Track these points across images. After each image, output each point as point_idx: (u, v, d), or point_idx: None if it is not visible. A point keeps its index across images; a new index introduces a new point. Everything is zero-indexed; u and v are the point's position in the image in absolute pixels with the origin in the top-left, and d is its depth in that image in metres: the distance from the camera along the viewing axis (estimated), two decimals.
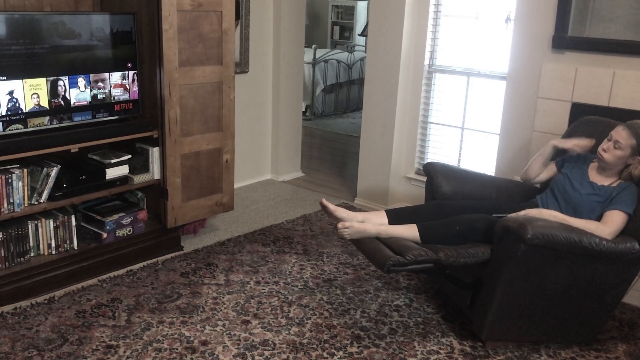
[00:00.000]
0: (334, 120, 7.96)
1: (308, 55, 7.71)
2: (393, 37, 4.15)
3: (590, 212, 2.72)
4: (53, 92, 3.00)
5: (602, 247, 2.49)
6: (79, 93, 3.11)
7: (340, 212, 2.81)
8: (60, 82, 3.03)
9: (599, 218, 2.67)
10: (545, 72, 3.57)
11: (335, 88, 8.23)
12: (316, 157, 6.09)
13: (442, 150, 4.32)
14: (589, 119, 3.14)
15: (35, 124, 2.96)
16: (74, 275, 3.12)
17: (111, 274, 3.24)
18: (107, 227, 3.26)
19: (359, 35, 10.09)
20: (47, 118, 3.01)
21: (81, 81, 3.12)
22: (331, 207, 2.82)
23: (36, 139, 2.93)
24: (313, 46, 7.86)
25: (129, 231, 3.36)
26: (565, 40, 3.47)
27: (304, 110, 7.78)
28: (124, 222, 3.33)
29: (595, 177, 2.81)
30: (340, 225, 2.73)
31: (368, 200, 4.55)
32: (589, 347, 2.76)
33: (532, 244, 2.40)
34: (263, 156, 5.04)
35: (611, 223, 2.60)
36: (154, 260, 3.42)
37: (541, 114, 3.63)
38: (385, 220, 2.84)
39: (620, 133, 2.71)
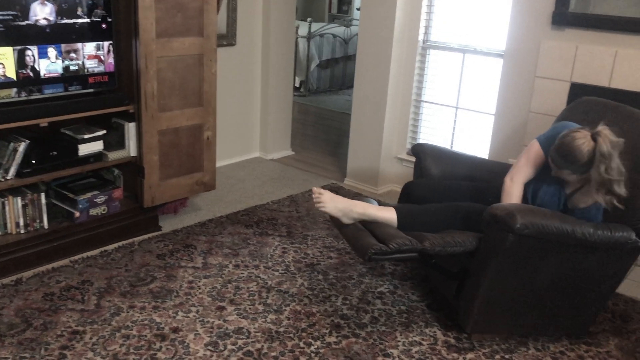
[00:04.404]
0: (329, 97, 7.77)
1: (303, 29, 7.50)
2: (386, 9, 3.95)
3: None
4: (21, 62, 2.83)
5: (597, 238, 2.35)
6: (49, 64, 2.94)
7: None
8: (29, 52, 2.85)
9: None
10: (544, 50, 3.39)
11: (331, 63, 8.02)
12: (310, 135, 5.92)
13: (434, 130, 4.16)
14: (588, 99, 2.96)
15: (1, 96, 2.79)
16: (44, 256, 2.99)
17: (84, 255, 3.10)
18: (80, 206, 3.12)
19: (358, 9, 9.83)
20: (15, 90, 2.83)
21: (52, 51, 2.94)
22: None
23: (2, 112, 2.76)
24: (308, 19, 7.64)
25: (104, 210, 3.22)
26: (566, 16, 3.29)
27: (298, 86, 7.60)
28: (97, 200, 3.18)
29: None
30: (314, 189, 2.61)
31: (358, 181, 4.40)
32: (579, 341, 2.64)
33: (522, 234, 2.26)
34: (251, 133, 4.88)
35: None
36: (130, 240, 3.29)
37: (538, 94, 3.46)
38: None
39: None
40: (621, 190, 2.35)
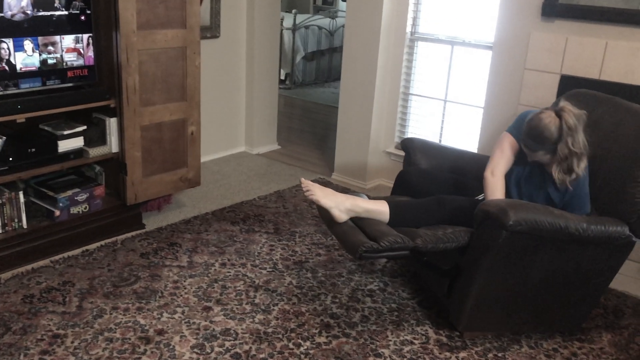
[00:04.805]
0: (315, 89, 7.68)
1: (288, 20, 7.40)
2: (373, 1, 3.88)
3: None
4: None
5: (591, 232, 2.31)
6: (25, 57, 2.83)
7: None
8: (4, 45, 2.74)
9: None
10: (533, 42, 3.34)
11: (317, 56, 7.92)
12: (295, 129, 5.83)
13: (423, 123, 4.10)
14: (578, 91, 2.92)
15: None
16: (23, 256, 2.89)
17: (65, 255, 3.01)
18: (60, 204, 3.02)
19: (343, 0, 9.73)
20: None
21: (28, 44, 2.83)
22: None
23: None
24: (293, 11, 7.53)
25: (85, 208, 3.12)
26: (556, 7, 3.24)
27: (283, 78, 7.50)
28: (78, 198, 3.08)
29: None
30: (303, 180, 2.56)
31: (346, 176, 4.33)
32: (572, 337, 2.60)
33: (514, 230, 2.21)
34: (236, 127, 4.78)
35: None
36: (113, 239, 3.20)
37: (528, 86, 3.41)
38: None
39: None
40: (580, 168, 2.38)
